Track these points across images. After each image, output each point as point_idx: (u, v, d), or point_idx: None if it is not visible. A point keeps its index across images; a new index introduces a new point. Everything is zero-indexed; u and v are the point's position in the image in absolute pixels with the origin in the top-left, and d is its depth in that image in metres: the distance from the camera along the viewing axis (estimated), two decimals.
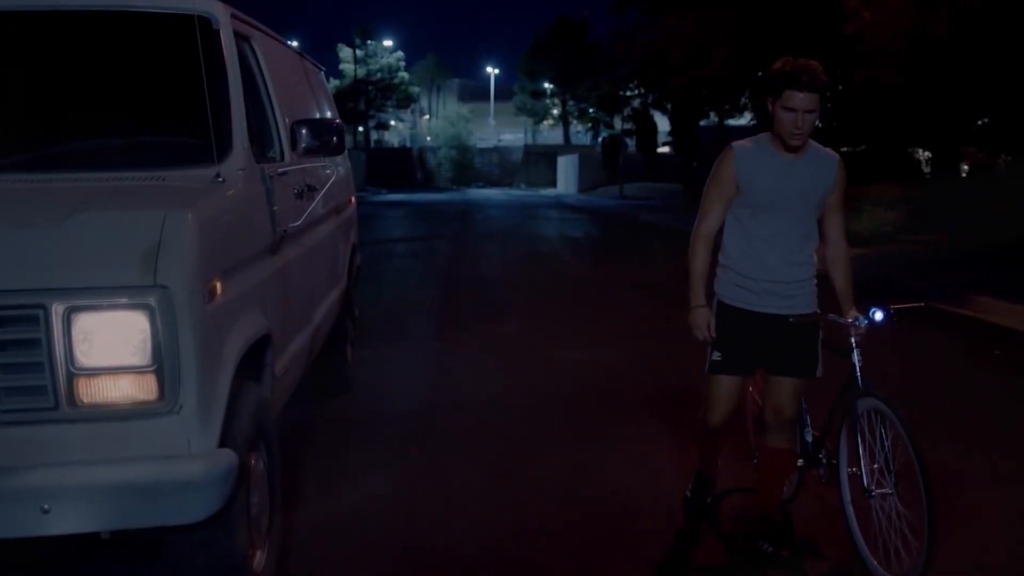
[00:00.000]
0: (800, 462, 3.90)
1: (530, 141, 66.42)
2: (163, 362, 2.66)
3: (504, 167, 60.30)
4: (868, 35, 14.58)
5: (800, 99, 3.30)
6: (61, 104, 3.65)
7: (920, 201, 15.46)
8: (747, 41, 20.82)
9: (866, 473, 3.47)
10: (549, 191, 49.03)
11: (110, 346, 2.64)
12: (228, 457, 2.79)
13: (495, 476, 4.70)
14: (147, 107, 3.66)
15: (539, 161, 56.79)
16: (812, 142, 3.54)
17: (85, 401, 2.65)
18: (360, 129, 58.43)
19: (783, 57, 3.43)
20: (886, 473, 3.42)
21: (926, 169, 19.34)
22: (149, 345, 2.65)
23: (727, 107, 29.05)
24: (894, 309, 3.52)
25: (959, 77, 13.72)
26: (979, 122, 17.27)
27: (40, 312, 2.58)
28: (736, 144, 3.60)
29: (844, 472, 3.71)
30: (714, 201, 3.60)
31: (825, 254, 3.68)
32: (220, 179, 3.26)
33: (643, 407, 5.87)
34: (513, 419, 5.67)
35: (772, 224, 3.52)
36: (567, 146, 58.84)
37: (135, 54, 3.73)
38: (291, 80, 5.16)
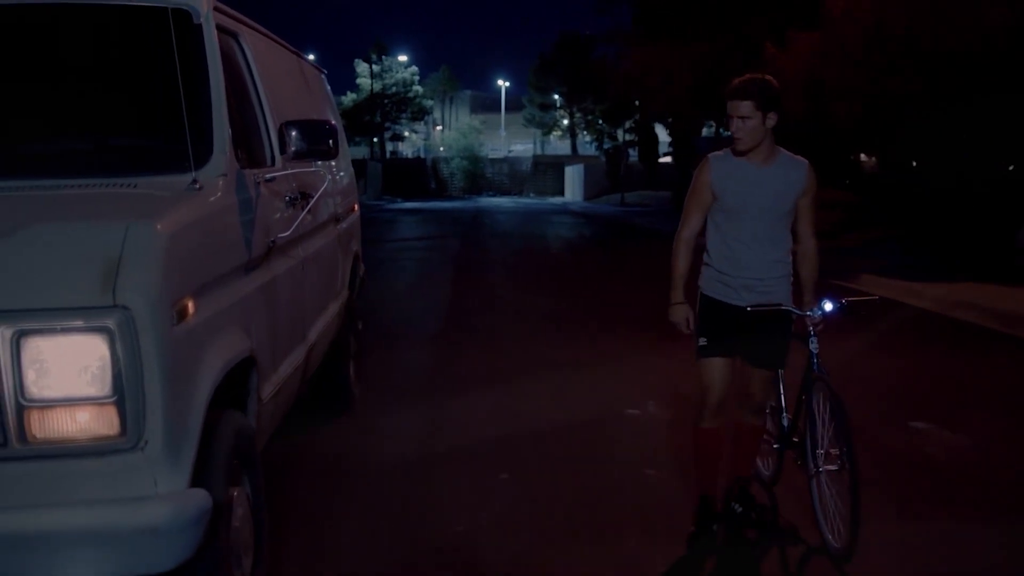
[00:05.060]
0: (776, 445, 4.14)
1: (539, 151, 66.38)
2: (125, 392, 2.34)
3: (514, 176, 60.46)
4: (781, 76, 16.38)
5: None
6: (24, 104, 3.31)
7: (857, 204, 17.74)
8: (703, 71, 24.07)
9: (819, 450, 3.75)
10: (556, 199, 49.81)
11: (65, 375, 2.33)
12: (200, 498, 2.47)
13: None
14: (119, 107, 3.33)
15: (547, 171, 57.10)
16: (782, 150, 3.79)
17: (37, 437, 2.34)
18: (376, 141, 58.91)
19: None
20: (835, 452, 3.68)
21: (877, 172, 21.83)
22: (109, 373, 2.33)
23: (692, 122, 32.22)
24: (847, 301, 3.82)
25: (844, 110, 16.50)
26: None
27: None
28: (712, 155, 3.86)
29: (808, 451, 3.88)
30: (693, 208, 3.88)
31: (796, 250, 3.95)
32: (197, 186, 2.95)
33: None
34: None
35: (747, 227, 3.76)
36: (574, 156, 58.83)
37: (108, 49, 3.41)
38: (286, 81, 4.85)
